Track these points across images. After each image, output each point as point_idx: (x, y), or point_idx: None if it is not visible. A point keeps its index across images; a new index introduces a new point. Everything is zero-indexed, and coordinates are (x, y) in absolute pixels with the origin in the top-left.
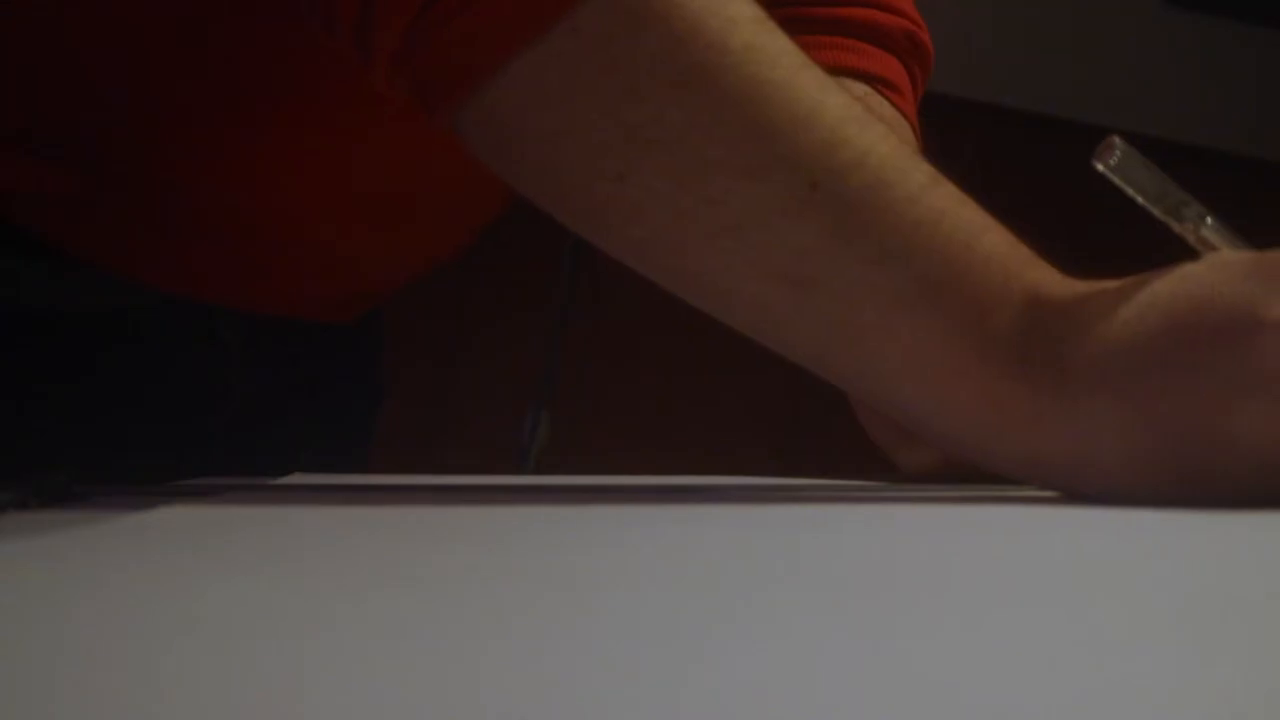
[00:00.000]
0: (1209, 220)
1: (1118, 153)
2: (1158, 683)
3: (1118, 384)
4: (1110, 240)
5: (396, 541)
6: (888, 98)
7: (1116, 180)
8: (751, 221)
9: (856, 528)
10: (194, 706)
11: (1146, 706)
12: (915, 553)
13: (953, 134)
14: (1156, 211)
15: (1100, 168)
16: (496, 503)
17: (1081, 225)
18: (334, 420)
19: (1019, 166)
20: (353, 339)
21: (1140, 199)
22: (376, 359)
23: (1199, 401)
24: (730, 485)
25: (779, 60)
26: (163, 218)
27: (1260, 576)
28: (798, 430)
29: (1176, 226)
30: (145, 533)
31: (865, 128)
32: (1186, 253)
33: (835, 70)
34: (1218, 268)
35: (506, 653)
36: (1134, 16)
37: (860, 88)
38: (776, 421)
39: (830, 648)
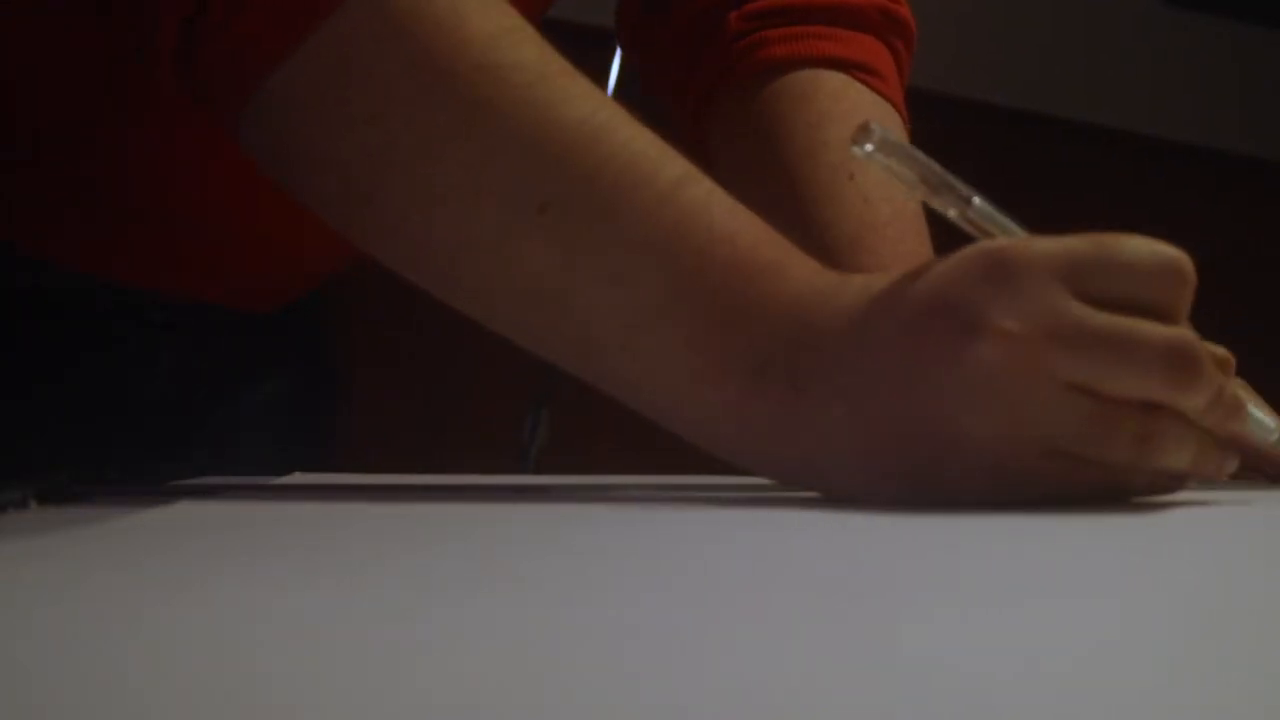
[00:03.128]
0: (976, 202)
1: (875, 136)
2: (1156, 682)
3: (849, 392)
4: None
5: (396, 541)
6: (867, 83)
7: (880, 164)
8: (488, 243)
9: (856, 529)
10: (194, 706)
11: (1145, 705)
12: (915, 554)
13: (953, 134)
14: (921, 194)
15: (858, 153)
16: (496, 502)
17: (1081, 225)
18: (276, 408)
19: (1019, 166)
20: (287, 325)
21: (903, 182)
22: (320, 346)
23: (925, 408)
24: (730, 485)
25: (509, 78)
26: (82, 203)
27: (1260, 576)
28: None
29: (943, 210)
30: (145, 533)
31: (604, 137)
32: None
33: (810, 61)
34: (953, 269)
35: (506, 652)
36: (1134, 16)
37: (838, 77)
38: None
39: (830, 648)
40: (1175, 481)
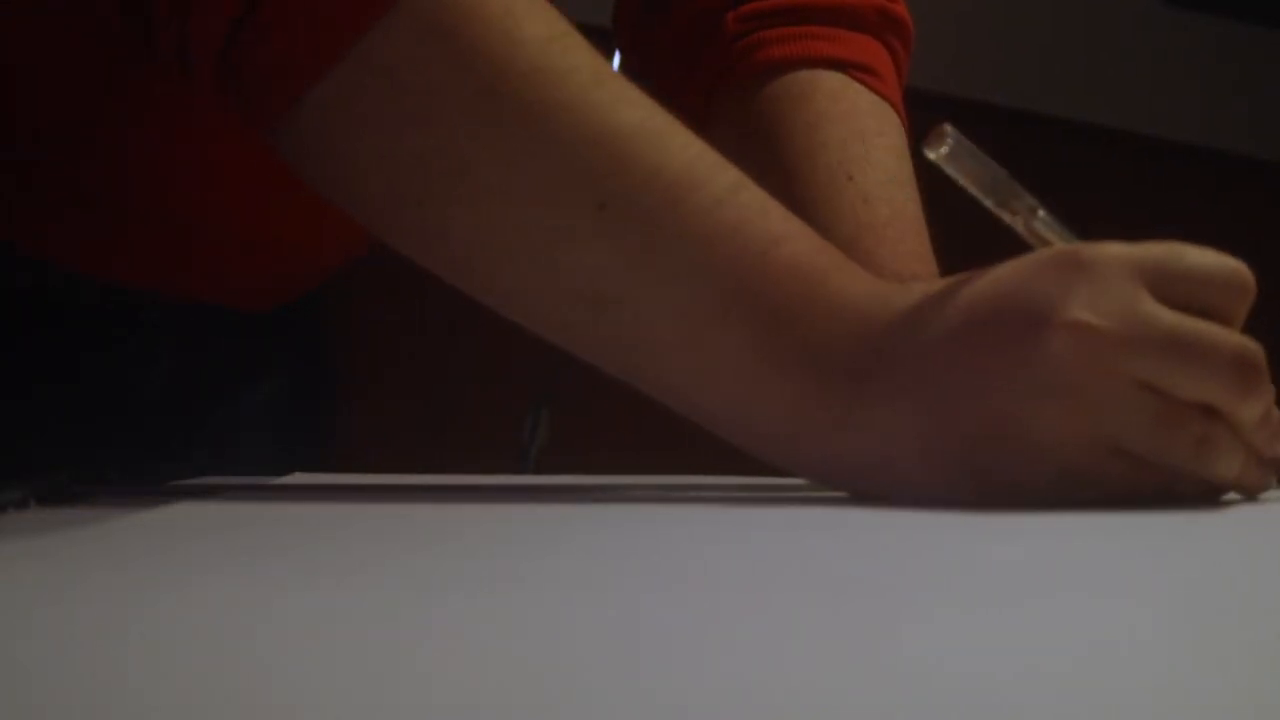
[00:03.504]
0: (1040, 213)
1: (949, 141)
2: (1156, 683)
3: (914, 390)
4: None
5: (396, 541)
6: (865, 83)
7: (948, 169)
8: (545, 244)
9: (857, 529)
10: (194, 706)
11: (1146, 705)
12: (916, 554)
13: None
14: (988, 203)
15: (931, 156)
16: (496, 502)
17: (1081, 225)
18: (275, 408)
19: (1019, 166)
20: (286, 325)
21: (972, 189)
22: (319, 345)
23: (993, 406)
24: (729, 485)
25: (566, 80)
26: (82, 203)
27: (1259, 576)
28: None
29: (1008, 219)
30: (145, 533)
31: (661, 142)
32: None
33: (808, 61)
34: (1025, 266)
35: (506, 651)
36: (1134, 16)
37: (836, 77)
38: None
39: (830, 648)
40: (1218, 491)
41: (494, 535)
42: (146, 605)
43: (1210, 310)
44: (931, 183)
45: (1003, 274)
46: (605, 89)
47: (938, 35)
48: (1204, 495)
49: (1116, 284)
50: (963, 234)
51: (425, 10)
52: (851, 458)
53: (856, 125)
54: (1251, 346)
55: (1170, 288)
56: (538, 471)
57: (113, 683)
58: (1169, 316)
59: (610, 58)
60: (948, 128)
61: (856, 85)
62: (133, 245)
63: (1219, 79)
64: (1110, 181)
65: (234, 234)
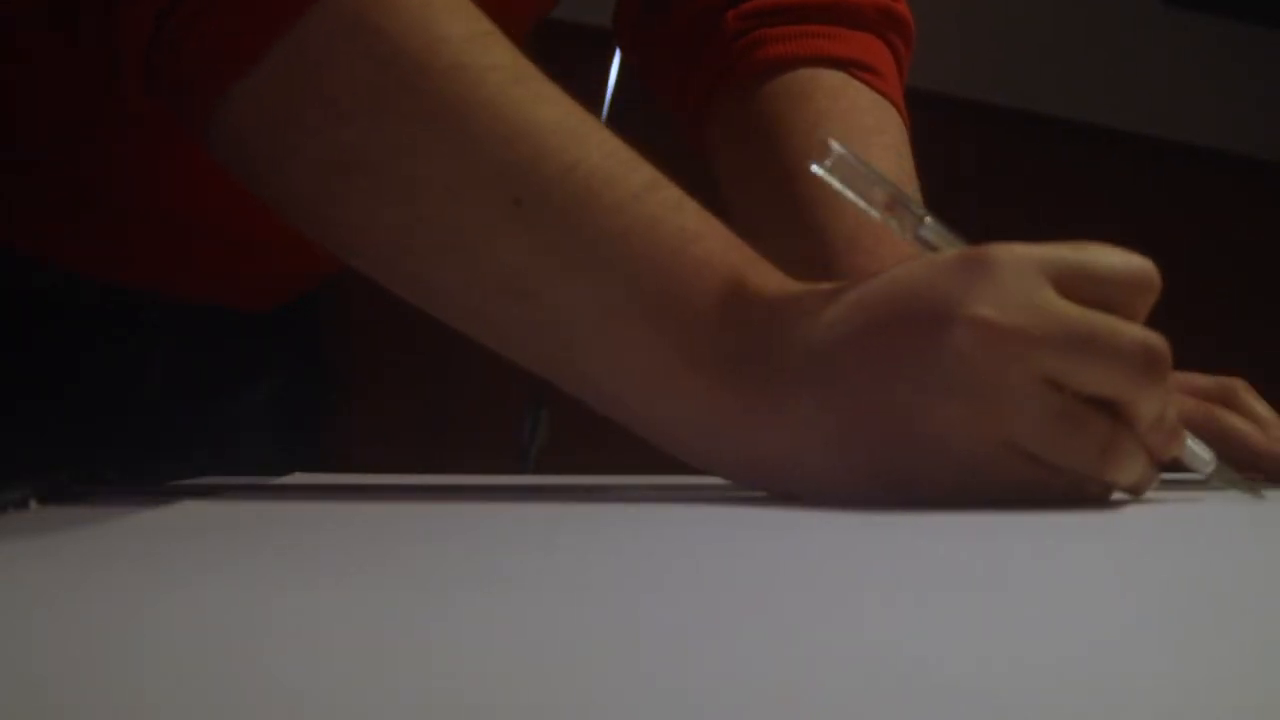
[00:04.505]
0: (928, 220)
1: (834, 154)
2: (1153, 680)
3: (822, 388)
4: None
5: (396, 541)
6: (865, 81)
7: (834, 182)
8: (462, 239)
9: (855, 529)
10: (194, 706)
11: (1143, 705)
12: (914, 554)
13: (953, 134)
14: (875, 213)
15: (815, 170)
16: (496, 502)
17: (1081, 224)
18: (273, 408)
19: (1019, 166)
20: (284, 325)
21: (858, 200)
22: (317, 345)
23: (898, 404)
24: (729, 485)
25: (485, 78)
26: (80, 204)
27: (1258, 575)
28: None
29: (895, 228)
30: (145, 533)
31: (578, 138)
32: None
33: (808, 60)
34: (931, 265)
35: (505, 652)
36: (1134, 16)
37: (836, 76)
38: None
39: (830, 647)
40: (1109, 491)
41: (494, 535)
42: (147, 605)
43: (1115, 307)
44: (932, 182)
45: (910, 272)
46: (524, 86)
47: (938, 35)
48: (1103, 497)
49: (1020, 281)
50: (963, 234)
51: (348, 7)
52: (763, 456)
53: (856, 123)
54: (1155, 339)
55: (1075, 285)
56: (538, 471)
57: (113, 682)
58: (1071, 310)
59: (611, 57)
60: (833, 142)
61: (856, 83)
62: (132, 245)
63: (1219, 79)
64: (1110, 181)
65: (233, 234)
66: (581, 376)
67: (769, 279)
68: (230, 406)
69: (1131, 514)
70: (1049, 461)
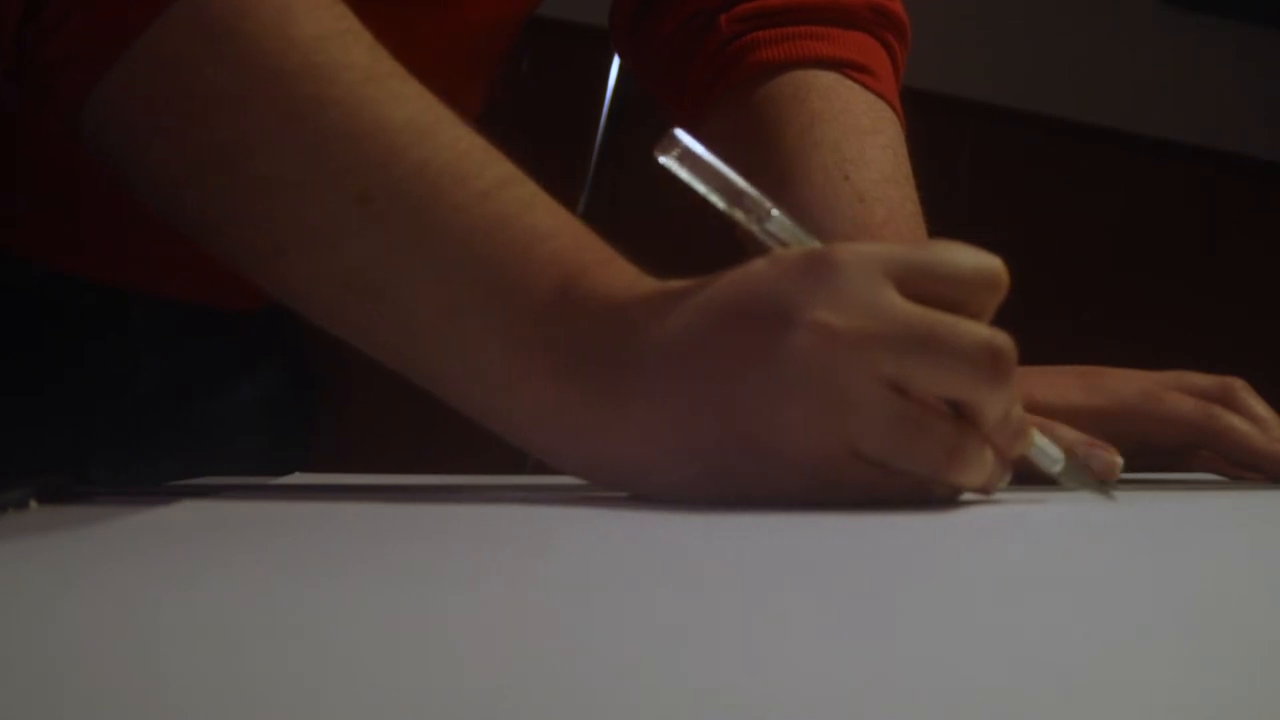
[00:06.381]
0: (775, 213)
1: (680, 145)
2: (1154, 680)
3: (666, 391)
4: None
5: (396, 542)
6: (860, 81)
7: (682, 172)
8: (312, 236)
9: (854, 529)
10: (194, 705)
11: (1143, 704)
12: (914, 553)
13: (952, 134)
14: (720, 205)
15: (662, 160)
16: (496, 503)
17: (1081, 224)
18: (261, 406)
19: (1019, 166)
20: (271, 323)
21: (704, 190)
22: (304, 345)
23: (739, 407)
24: None
25: (338, 77)
26: (66, 203)
27: (1258, 577)
28: None
29: (741, 219)
30: (145, 533)
31: (429, 137)
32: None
33: (801, 62)
34: (773, 265)
35: (505, 651)
36: (1133, 16)
37: (829, 76)
38: None
39: (829, 647)
40: (957, 493)
41: (493, 535)
42: (147, 605)
43: (960, 306)
44: (929, 182)
45: (752, 272)
46: (377, 85)
47: (937, 35)
48: (950, 498)
49: (861, 282)
50: (963, 233)
51: (203, 7)
52: (612, 458)
53: (851, 124)
54: (999, 337)
55: (919, 285)
56: (537, 471)
57: (114, 682)
58: (912, 310)
59: (611, 57)
60: (678, 132)
61: (850, 84)
62: (121, 245)
63: (1219, 79)
64: (1110, 181)
65: None
66: (433, 375)
67: (619, 277)
68: (219, 405)
69: (976, 514)
70: (892, 465)
